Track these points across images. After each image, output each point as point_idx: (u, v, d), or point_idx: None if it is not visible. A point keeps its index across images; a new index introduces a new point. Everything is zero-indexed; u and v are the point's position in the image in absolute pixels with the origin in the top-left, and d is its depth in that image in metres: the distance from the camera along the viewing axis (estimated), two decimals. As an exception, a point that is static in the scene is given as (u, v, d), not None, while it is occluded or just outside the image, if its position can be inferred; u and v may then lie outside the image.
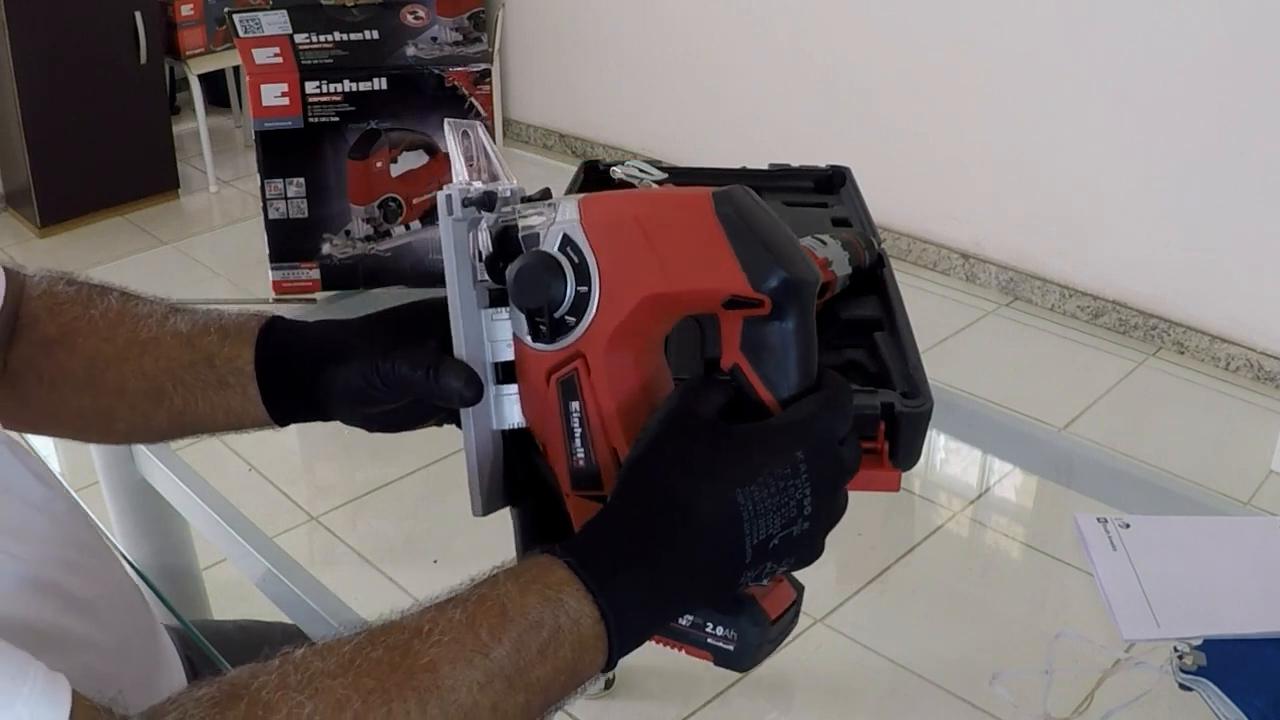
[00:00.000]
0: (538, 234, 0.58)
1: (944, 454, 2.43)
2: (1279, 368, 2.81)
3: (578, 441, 0.59)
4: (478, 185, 0.60)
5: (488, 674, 0.50)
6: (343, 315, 1.26)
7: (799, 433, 0.55)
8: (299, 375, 0.71)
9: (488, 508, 0.64)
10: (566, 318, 0.58)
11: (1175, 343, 2.96)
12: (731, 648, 0.58)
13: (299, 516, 2.20)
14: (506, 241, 0.59)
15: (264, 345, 0.72)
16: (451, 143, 0.62)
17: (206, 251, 3.67)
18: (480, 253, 0.60)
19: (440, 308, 0.69)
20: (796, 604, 0.62)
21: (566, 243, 0.57)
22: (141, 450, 1.16)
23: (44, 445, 1.12)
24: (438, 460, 2.16)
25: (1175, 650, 0.89)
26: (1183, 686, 0.87)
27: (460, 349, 0.62)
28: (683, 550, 0.54)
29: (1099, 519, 1.01)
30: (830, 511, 0.57)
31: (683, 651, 0.60)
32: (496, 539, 0.69)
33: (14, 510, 0.66)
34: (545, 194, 0.62)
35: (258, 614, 1.07)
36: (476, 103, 1.40)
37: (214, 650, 0.92)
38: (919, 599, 2.07)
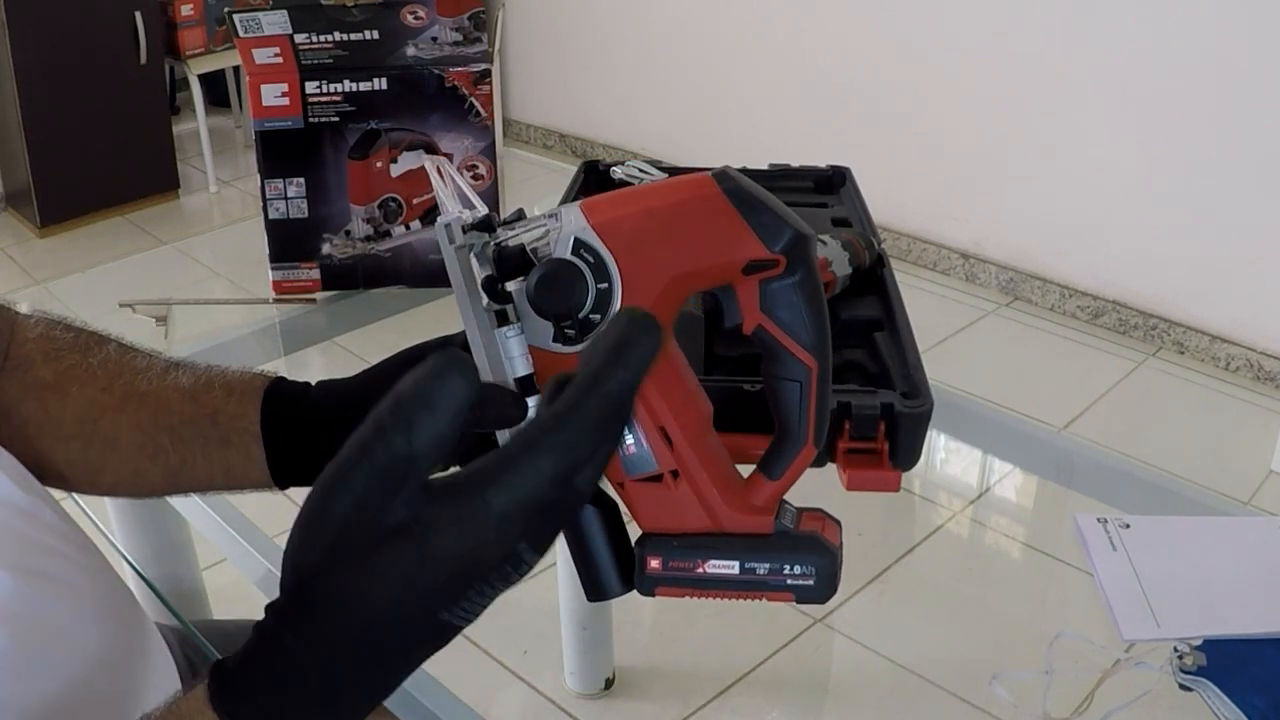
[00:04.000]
0: (547, 245, 0.60)
1: (944, 454, 2.43)
2: (1279, 368, 2.80)
3: (625, 431, 0.61)
4: (468, 213, 0.62)
5: None
6: (342, 315, 1.25)
7: (519, 523, 0.45)
8: (308, 440, 0.70)
9: None
10: (591, 316, 0.60)
11: (1175, 343, 2.96)
12: (812, 582, 0.62)
13: (299, 516, 2.20)
14: (509, 259, 0.61)
15: (270, 407, 0.71)
16: (435, 179, 0.64)
17: (206, 251, 3.67)
18: (477, 277, 0.62)
19: (433, 349, 0.69)
20: (841, 536, 0.65)
21: (579, 245, 0.59)
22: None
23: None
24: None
25: (1175, 650, 0.89)
26: (1183, 686, 0.87)
27: (485, 373, 0.62)
28: (380, 678, 0.47)
29: (1099, 519, 1.01)
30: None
31: (764, 599, 0.63)
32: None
33: None
34: (519, 214, 0.63)
35: (258, 614, 1.07)
36: (476, 103, 1.40)
37: (214, 651, 0.92)
38: (919, 599, 2.06)
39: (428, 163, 0.66)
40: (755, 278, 0.60)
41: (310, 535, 0.46)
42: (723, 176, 0.59)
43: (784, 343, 0.61)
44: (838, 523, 0.66)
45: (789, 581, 0.62)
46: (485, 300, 0.62)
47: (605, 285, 0.60)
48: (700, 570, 0.62)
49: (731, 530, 0.62)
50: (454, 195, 0.64)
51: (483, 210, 0.63)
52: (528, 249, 0.61)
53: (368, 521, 0.45)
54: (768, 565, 0.62)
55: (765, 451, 0.63)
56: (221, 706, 0.46)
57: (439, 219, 0.61)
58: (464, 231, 0.61)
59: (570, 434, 0.45)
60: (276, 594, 0.50)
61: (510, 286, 0.61)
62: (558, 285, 0.59)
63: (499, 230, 0.62)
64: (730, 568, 0.62)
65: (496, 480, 0.45)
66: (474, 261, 0.62)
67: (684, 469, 0.61)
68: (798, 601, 0.63)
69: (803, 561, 0.62)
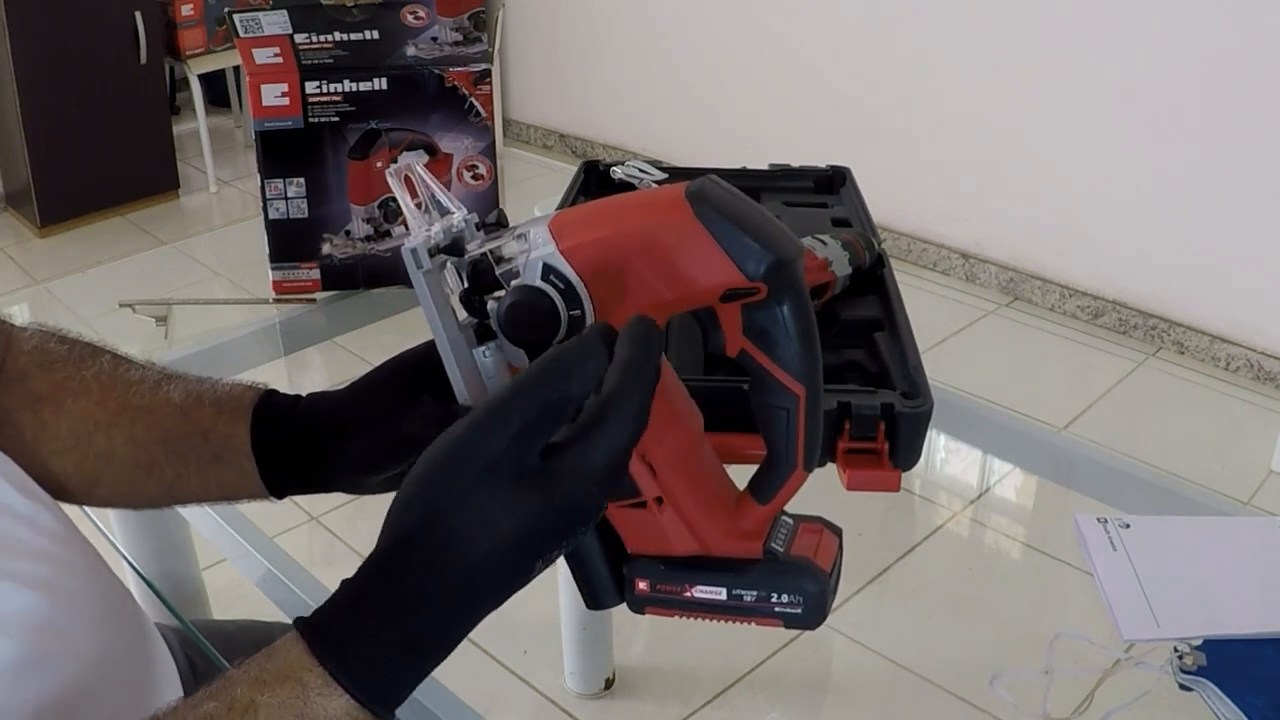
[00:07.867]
0: (515, 268, 0.58)
1: (944, 454, 2.43)
2: (1279, 368, 2.81)
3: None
4: (437, 229, 0.60)
5: None
6: (342, 315, 1.26)
7: (607, 484, 0.52)
8: (298, 455, 0.70)
9: None
10: None
11: (1175, 343, 2.96)
12: (800, 610, 0.61)
13: (299, 516, 2.20)
14: (481, 274, 0.59)
15: (260, 424, 0.71)
16: (399, 192, 0.61)
17: (206, 251, 3.67)
18: (451, 291, 0.60)
19: (417, 358, 0.69)
20: (840, 545, 0.63)
21: (548, 271, 0.57)
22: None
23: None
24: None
25: (1175, 650, 0.89)
26: (1183, 686, 0.87)
27: (463, 395, 0.61)
28: (470, 618, 0.52)
29: (1099, 519, 1.01)
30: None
31: (753, 624, 0.62)
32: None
33: None
34: (500, 218, 0.61)
35: (258, 614, 1.07)
36: (476, 103, 1.40)
37: (214, 651, 0.91)
38: (919, 599, 2.07)
39: (391, 178, 0.61)
40: (736, 304, 0.56)
41: (457, 468, 0.50)
42: (697, 196, 0.55)
43: (770, 369, 0.57)
44: (837, 533, 0.64)
45: (776, 609, 0.61)
46: (463, 315, 0.60)
47: (578, 312, 0.57)
48: (688, 594, 0.61)
49: (719, 554, 0.61)
50: (422, 211, 0.61)
51: (459, 214, 0.60)
52: (496, 271, 0.58)
53: (517, 457, 0.50)
54: (755, 593, 0.61)
55: (755, 473, 0.61)
56: (326, 653, 0.50)
57: (404, 243, 0.59)
58: (431, 256, 0.59)
59: (632, 407, 0.51)
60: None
61: (488, 302, 0.59)
62: (528, 314, 0.57)
63: (475, 240, 0.60)
64: (718, 593, 0.61)
65: (596, 442, 0.51)
66: (449, 276, 0.60)
67: (669, 496, 0.59)
68: (786, 627, 0.61)
69: (791, 590, 0.61)
